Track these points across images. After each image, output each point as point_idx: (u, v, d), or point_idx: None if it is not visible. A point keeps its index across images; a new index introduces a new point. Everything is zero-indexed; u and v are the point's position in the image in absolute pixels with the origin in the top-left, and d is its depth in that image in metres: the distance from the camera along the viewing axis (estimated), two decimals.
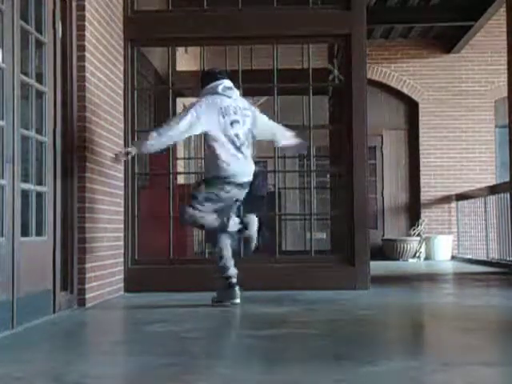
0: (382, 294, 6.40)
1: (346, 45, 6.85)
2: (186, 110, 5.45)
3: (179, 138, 5.60)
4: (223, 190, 5.40)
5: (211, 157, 5.42)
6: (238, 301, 5.42)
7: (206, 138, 5.45)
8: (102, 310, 5.37)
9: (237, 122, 5.42)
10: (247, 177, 5.46)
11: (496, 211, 10.60)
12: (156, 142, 5.35)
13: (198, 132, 5.42)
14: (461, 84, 13.10)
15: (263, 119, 5.70)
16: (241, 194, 5.49)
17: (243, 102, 5.59)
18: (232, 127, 5.39)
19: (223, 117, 5.38)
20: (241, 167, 5.41)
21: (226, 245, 5.52)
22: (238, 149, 5.42)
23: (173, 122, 5.43)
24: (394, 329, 4.54)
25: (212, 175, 5.44)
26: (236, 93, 5.58)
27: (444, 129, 13.10)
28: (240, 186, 5.44)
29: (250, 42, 7.59)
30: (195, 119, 5.34)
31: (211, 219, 5.43)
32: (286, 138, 5.78)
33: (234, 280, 5.47)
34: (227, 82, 5.54)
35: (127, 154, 5.57)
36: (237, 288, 5.45)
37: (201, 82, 5.65)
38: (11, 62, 4.20)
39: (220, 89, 5.47)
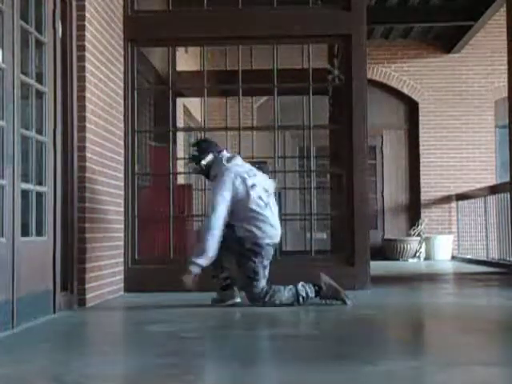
0: (382, 294, 6.40)
1: (346, 45, 6.84)
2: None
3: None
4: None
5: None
6: (239, 299, 5.45)
7: None
8: (102, 310, 5.37)
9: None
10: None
11: (496, 211, 10.60)
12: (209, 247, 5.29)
13: None
14: (461, 84, 13.10)
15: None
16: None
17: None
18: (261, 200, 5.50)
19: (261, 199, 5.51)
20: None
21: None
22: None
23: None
24: (394, 329, 4.54)
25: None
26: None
27: (444, 129, 13.10)
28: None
29: (249, 42, 7.59)
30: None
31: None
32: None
33: (229, 281, 5.48)
34: (241, 164, 5.60)
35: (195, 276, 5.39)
36: (236, 287, 5.48)
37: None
38: (11, 61, 4.20)
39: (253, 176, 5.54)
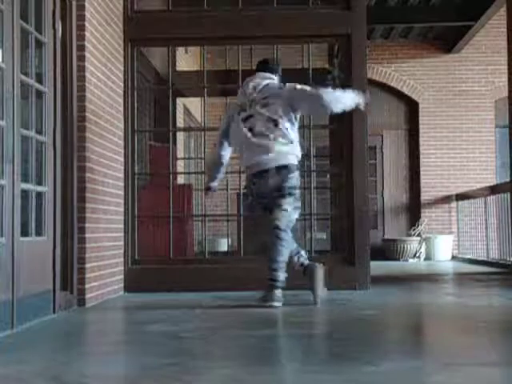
0: (382, 294, 6.40)
1: (346, 45, 6.84)
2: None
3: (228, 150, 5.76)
4: (250, 182, 5.51)
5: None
6: (277, 304, 5.27)
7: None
8: (101, 310, 5.37)
9: (251, 116, 5.48)
10: (262, 166, 5.37)
11: (496, 211, 10.60)
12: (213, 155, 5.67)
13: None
14: (461, 84, 13.10)
15: (298, 95, 5.53)
16: (264, 185, 5.39)
17: (263, 93, 5.53)
18: (244, 122, 5.47)
19: (238, 114, 5.54)
20: (253, 157, 5.41)
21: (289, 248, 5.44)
22: (250, 139, 5.43)
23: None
24: (394, 329, 4.54)
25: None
26: (254, 85, 5.57)
27: (444, 129, 13.10)
28: (258, 176, 5.41)
29: (249, 42, 7.58)
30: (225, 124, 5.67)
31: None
32: (338, 101, 5.50)
33: (280, 284, 5.35)
34: (251, 78, 5.64)
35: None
36: (278, 291, 5.32)
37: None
38: (11, 61, 4.20)
39: (242, 88, 5.64)
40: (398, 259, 12.53)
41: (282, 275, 5.36)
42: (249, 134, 5.43)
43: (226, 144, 5.71)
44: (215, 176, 5.84)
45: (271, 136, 5.39)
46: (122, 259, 6.55)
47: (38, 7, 4.74)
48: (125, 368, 3.18)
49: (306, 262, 5.46)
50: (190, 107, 11.88)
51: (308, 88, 5.52)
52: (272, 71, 5.66)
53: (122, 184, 6.57)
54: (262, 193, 5.43)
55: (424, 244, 12.64)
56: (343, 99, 5.47)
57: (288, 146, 5.40)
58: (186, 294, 6.15)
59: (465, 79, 13.10)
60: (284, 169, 5.37)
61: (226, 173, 9.28)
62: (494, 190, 10.63)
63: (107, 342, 3.94)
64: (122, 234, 6.57)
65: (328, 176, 10.67)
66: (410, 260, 12.50)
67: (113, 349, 3.69)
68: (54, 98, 4.96)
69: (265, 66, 5.70)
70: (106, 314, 5.27)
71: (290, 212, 5.40)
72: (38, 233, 4.69)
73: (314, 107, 5.60)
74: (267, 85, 5.56)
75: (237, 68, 6.96)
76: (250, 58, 7.44)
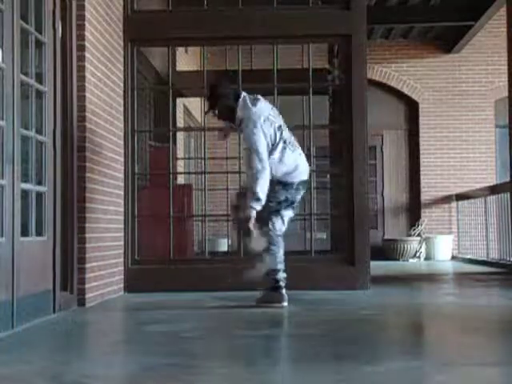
0: (382, 294, 6.40)
1: (346, 45, 6.84)
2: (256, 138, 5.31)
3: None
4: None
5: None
6: (285, 304, 5.30)
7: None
8: (101, 310, 5.37)
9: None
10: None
11: (496, 211, 10.60)
12: (263, 187, 5.23)
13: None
14: (461, 84, 13.10)
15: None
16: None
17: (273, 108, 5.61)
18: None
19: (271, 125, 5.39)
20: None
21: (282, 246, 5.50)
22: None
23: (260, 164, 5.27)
24: (394, 329, 4.54)
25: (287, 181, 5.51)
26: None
27: (444, 129, 13.10)
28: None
29: (249, 42, 7.59)
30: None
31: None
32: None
33: (283, 284, 5.38)
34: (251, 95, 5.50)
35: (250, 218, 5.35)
36: (284, 291, 5.35)
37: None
38: (11, 61, 4.19)
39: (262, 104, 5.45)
40: (398, 259, 12.53)
41: (282, 275, 5.38)
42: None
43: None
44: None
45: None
46: (122, 259, 6.55)
47: (37, 7, 4.74)
48: (125, 368, 3.18)
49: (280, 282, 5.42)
50: (190, 107, 11.88)
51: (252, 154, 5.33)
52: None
53: (121, 184, 6.57)
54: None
55: (424, 244, 12.64)
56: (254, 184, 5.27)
57: None
58: (186, 293, 6.15)
59: (465, 79, 13.09)
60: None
61: (227, 172, 9.33)
62: (493, 190, 10.63)
63: (107, 342, 3.94)
64: (122, 234, 6.57)
65: (328, 176, 10.67)
66: (410, 260, 12.50)
67: (113, 349, 3.69)
68: (54, 98, 4.96)
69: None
70: (106, 314, 5.27)
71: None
72: (38, 233, 4.68)
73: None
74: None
75: (237, 68, 6.96)
76: (250, 58, 7.46)
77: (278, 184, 5.39)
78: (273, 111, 5.48)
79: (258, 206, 5.22)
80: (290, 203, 5.50)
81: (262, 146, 5.25)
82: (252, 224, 5.25)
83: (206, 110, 5.76)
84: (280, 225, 5.46)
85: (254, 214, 5.23)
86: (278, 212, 5.43)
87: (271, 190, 5.31)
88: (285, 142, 5.38)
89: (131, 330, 4.58)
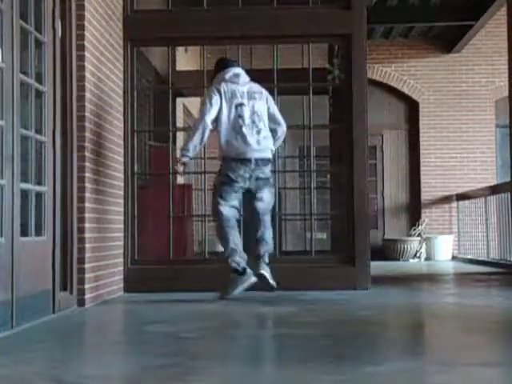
0: (382, 294, 6.39)
1: (346, 44, 6.83)
2: (202, 103, 5.98)
3: (209, 127, 5.83)
4: (230, 168, 5.75)
5: (218, 140, 5.86)
6: (244, 285, 5.68)
7: (216, 123, 5.83)
8: (101, 310, 5.37)
9: (242, 104, 5.81)
10: (253, 153, 5.74)
11: (497, 211, 10.60)
12: (194, 141, 5.76)
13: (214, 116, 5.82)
14: (461, 84, 13.10)
15: (271, 106, 6.05)
16: (250, 171, 5.75)
17: (251, 87, 5.97)
18: (236, 110, 5.78)
19: (227, 101, 5.78)
20: (242, 145, 5.73)
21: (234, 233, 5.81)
22: (240, 128, 5.75)
23: (199, 120, 5.85)
24: (394, 329, 4.54)
25: (219, 157, 5.89)
26: (243, 79, 5.96)
27: (444, 129, 13.09)
28: (245, 162, 5.72)
29: (249, 42, 7.58)
30: (210, 106, 5.79)
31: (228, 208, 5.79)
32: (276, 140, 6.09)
33: (238, 266, 5.70)
34: (235, 70, 5.96)
35: (183, 164, 5.90)
36: (241, 273, 5.69)
37: (214, 69, 6.12)
38: (10, 61, 4.19)
39: (227, 76, 5.90)
40: (399, 259, 12.52)
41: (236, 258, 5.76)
42: (240, 123, 5.91)
43: None
44: None
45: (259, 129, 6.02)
46: (122, 259, 6.54)
47: (37, 7, 4.73)
48: (125, 368, 3.17)
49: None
50: (190, 107, 11.88)
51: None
52: None
53: (121, 184, 6.56)
54: None
55: (424, 244, 12.64)
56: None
57: None
58: (186, 293, 6.15)
59: (465, 79, 13.09)
60: None
61: None
62: (494, 190, 10.62)
63: (107, 342, 3.94)
64: (122, 234, 6.57)
65: (328, 176, 10.67)
66: (411, 260, 12.50)
67: (112, 349, 3.69)
68: (54, 98, 4.96)
69: (235, 63, 6.18)
70: (106, 314, 5.27)
71: None
72: (38, 233, 4.68)
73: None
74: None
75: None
76: (249, 58, 7.45)
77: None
78: (247, 90, 5.89)
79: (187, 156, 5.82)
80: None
81: (207, 107, 5.78)
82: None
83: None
84: (224, 209, 5.79)
85: (184, 159, 5.85)
86: (221, 195, 5.80)
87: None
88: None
89: (131, 330, 4.58)
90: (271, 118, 6.01)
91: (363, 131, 6.71)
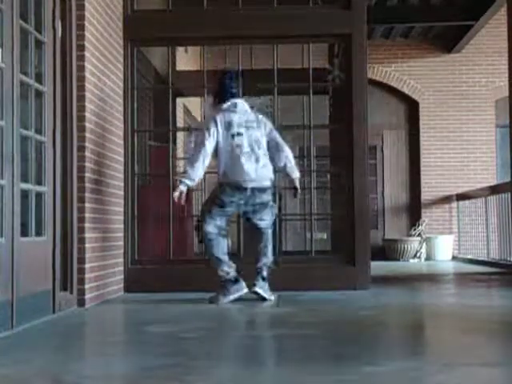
0: (382, 294, 6.39)
1: (347, 45, 6.84)
2: (202, 131, 5.85)
3: (209, 157, 5.79)
4: (225, 193, 5.72)
5: (217, 166, 5.84)
6: (246, 290, 5.64)
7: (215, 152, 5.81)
8: (101, 310, 5.37)
9: (239, 133, 5.74)
10: (250, 183, 5.68)
11: (497, 211, 10.59)
12: (195, 171, 5.70)
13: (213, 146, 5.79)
14: (461, 84, 13.09)
15: (273, 134, 5.91)
16: (246, 197, 5.70)
17: (249, 116, 5.85)
18: (233, 139, 5.72)
19: (223, 131, 5.73)
20: (239, 174, 5.67)
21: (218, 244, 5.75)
22: (238, 158, 5.68)
23: (198, 148, 5.77)
24: (394, 329, 4.54)
25: (218, 182, 5.83)
26: (241, 107, 5.85)
27: (444, 129, 13.09)
28: (241, 189, 5.68)
29: (249, 42, 7.58)
30: (209, 136, 5.73)
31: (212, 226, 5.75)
32: (289, 170, 5.92)
33: (228, 276, 5.66)
34: (234, 100, 5.85)
35: (181, 193, 5.75)
36: (230, 284, 5.65)
37: (218, 85, 5.98)
38: (10, 61, 4.19)
39: (225, 106, 5.82)
40: (399, 259, 12.52)
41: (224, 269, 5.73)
42: (238, 151, 5.83)
43: None
44: None
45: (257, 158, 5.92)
46: (122, 259, 6.54)
47: (37, 7, 4.73)
48: (125, 368, 3.17)
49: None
50: (190, 107, 11.88)
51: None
52: None
53: (121, 184, 6.56)
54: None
55: (424, 244, 12.63)
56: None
57: None
58: (186, 293, 6.15)
59: (465, 79, 13.09)
60: None
61: None
62: (494, 190, 10.62)
63: (107, 342, 3.94)
64: (122, 234, 6.57)
65: (328, 176, 10.66)
66: (411, 260, 12.49)
67: (112, 349, 3.69)
68: (54, 98, 4.96)
69: (236, 94, 6.01)
70: (106, 314, 5.27)
71: None
72: (38, 233, 4.68)
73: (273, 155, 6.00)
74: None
75: (237, 68, 6.94)
76: (249, 58, 7.45)
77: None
78: (245, 119, 5.80)
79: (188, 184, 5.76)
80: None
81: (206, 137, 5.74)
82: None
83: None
84: (208, 227, 5.75)
85: (183, 188, 5.74)
86: (210, 212, 5.78)
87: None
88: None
89: (131, 330, 4.58)
90: (272, 144, 5.86)
91: (363, 131, 6.71)
